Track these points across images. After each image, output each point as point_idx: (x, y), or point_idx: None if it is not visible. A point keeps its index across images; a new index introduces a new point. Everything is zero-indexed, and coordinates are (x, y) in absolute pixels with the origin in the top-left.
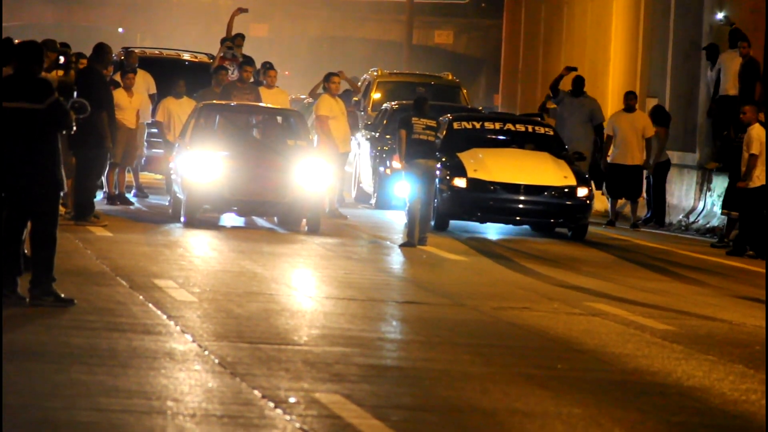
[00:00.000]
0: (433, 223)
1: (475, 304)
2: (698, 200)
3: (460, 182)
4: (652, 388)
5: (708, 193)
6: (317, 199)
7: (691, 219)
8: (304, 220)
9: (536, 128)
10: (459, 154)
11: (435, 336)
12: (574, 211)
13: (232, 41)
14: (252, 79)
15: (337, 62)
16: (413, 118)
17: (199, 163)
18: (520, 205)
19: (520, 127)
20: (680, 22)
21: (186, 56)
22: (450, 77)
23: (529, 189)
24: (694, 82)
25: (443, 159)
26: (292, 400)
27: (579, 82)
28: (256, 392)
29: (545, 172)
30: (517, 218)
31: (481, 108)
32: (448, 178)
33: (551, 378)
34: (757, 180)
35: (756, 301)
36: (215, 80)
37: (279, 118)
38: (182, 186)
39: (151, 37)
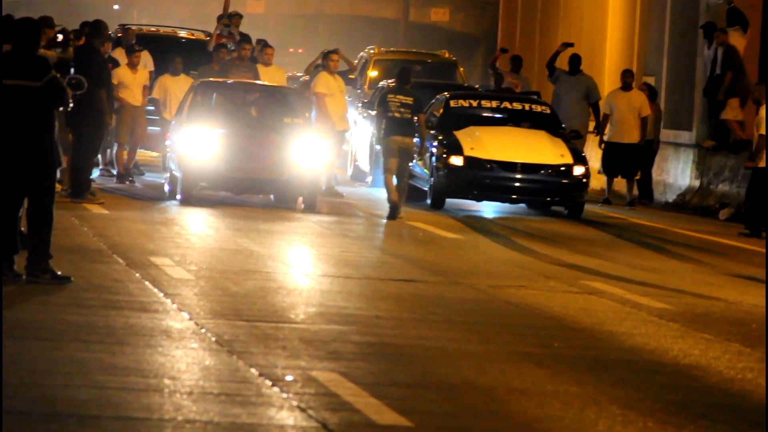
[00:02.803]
0: (429, 201)
1: (472, 282)
2: (694, 179)
3: (457, 160)
4: (648, 366)
5: (704, 172)
6: (314, 177)
7: (687, 197)
8: (301, 198)
9: (533, 106)
10: (455, 132)
11: (431, 314)
12: (571, 189)
13: (229, 18)
14: (249, 56)
15: (333, 40)
16: (389, 95)
17: (195, 140)
18: (517, 184)
19: (517, 106)
20: (677, 0)
21: (183, 33)
22: (447, 55)
23: (526, 167)
24: (691, 60)
25: (440, 137)
26: (289, 378)
27: (576, 59)
28: (253, 370)
29: (542, 150)
30: (514, 196)
31: (477, 86)
32: (444, 156)
33: (548, 356)
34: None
35: (752, 279)
36: (215, 58)
37: (276, 96)
38: (179, 163)
39: (148, 14)
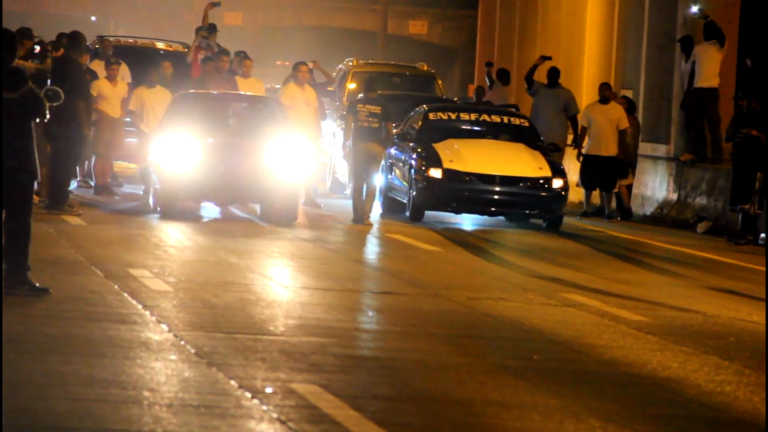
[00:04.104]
0: (408, 213)
1: (450, 295)
2: (672, 192)
3: (436, 173)
4: (627, 378)
5: (681, 185)
6: (295, 188)
7: (665, 211)
8: (282, 210)
9: (512, 119)
10: (434, 145)
11: (411, 326)
12: (549, 202)
13: (208, 30)
14: (227, 68)
15: (311, 52)
16: (358, 105)
17: (176, 152)
18: (496, 196)
19: (496, 118)
20: (655, 14)
21: (160, 45)
22: (425, 68)
23: (505, 180)
24: (669, 74)
25: (418, 149)
26: (268, 390)
27: (554, 72)
28: (232, 382)
29: (520, 163)
30: (493, 209)
31: (456, 99)
32: (423, 168)
33: (527, 369)
34: None
35: (730, 292)
36: (203, 70)
37: (258, 106)
38: (159, 176)
39: (125, 26)
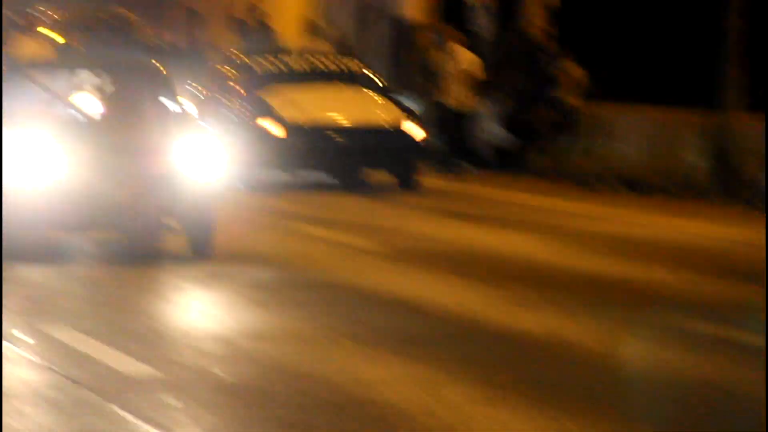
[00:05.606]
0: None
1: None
2: None
3: (268, 125)
4: (374, 301)
5: None
6: (209, 200)
7: None
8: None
9: (349, 65)
10: (260, 94)
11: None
12: (404, 151)
13: None
14: None
15: None
16: None
17: (14, 157)
18: (345, 149)
19: (329, 64)
20: None
21: None
22: (124, 12)
23: (352, 130)
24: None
25: (242, 102)
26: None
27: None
28: None
29: (367, 110)
30: (340, 162)
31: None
32: (250, 120)
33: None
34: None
35: (461, 217)
36: None
37: (138, 74)
38: None
39: None
